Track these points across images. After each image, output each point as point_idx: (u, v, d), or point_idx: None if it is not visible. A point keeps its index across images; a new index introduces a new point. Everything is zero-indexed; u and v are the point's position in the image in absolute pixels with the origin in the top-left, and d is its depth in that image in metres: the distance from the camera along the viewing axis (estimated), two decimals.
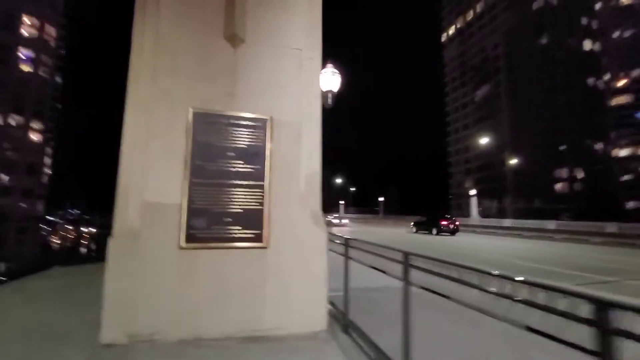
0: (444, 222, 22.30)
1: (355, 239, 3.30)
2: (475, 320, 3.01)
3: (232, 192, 3.15)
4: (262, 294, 3.12)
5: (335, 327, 3.32)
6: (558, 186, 54.16)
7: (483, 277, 1.69)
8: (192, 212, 3.02)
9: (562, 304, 1.33)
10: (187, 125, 3.13)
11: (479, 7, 72.65)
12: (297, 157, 3.40)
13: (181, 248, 2.97)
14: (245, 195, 3.17)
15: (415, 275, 2.15)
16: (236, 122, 3.25)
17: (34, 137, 40.45)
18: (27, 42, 40.01)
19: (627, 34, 73.29)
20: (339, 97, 5.39)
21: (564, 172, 53.97)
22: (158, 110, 3.13)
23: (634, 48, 72.21)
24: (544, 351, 2.58)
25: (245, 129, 3.26)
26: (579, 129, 53.67)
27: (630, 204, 59.49)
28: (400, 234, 23.36)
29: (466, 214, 44.26)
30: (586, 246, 16.04)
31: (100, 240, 8.08)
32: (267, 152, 3.27)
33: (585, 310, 1.21)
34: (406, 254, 2.14)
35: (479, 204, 38.59)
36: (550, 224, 21.91)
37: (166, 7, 3.23)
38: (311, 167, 3.46)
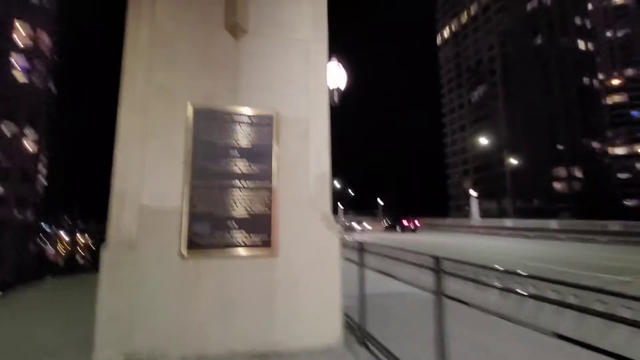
0: (405, 222, 29.07)
1: (372, 243, 3.05)
2: (499, 328, 2.77)
3: (237, 195, 2.90)
4: (272, 305, 2.86)
5: (350, 340, 3.06)
6: (556, 185, 54.26)
7: (538, 284, 1.45)
8: (194, 217, 2.77)
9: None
10: (186, 123, 2.89)
11: (472, 9, 73.21)
12: (306, 156, 3.16)
13: (182, 257, 2.72)
14: (251, 197, 2.92)
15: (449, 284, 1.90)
16: (239, 119, 3.01)
17: (29, 145, 39.98)
18: (21, 50, 39.68)
19: (620, 33, 74.29)
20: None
21: (561, 172, 54.10)
22: (155, 108, 2.89)
23: (626, 47, 73.18)
24: None
25: (249, 126, 3.02)
26: (575, 128, 53.94)
27: (631, 202, 59.78)
28: (393, 237, 23.12)
29: (466, 215, 44.17)
30: (593, 245, 15.84)
31: (97, 249, 7.78)
32: (274, 151, 3.03)
33: None
34: (437, 259, 1.89)
35: (478, 204, 38.45)
36: (553, 224, 21.76)
37: None
38: (320, 166, 3.22)
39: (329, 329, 2.96)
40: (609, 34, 74.77)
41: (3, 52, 37.94)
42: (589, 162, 53.68)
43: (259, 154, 2.99)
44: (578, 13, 60.52)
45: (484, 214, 42.41)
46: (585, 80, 57.77)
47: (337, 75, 4.84)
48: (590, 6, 65.86)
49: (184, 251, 2.71)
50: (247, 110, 3.04)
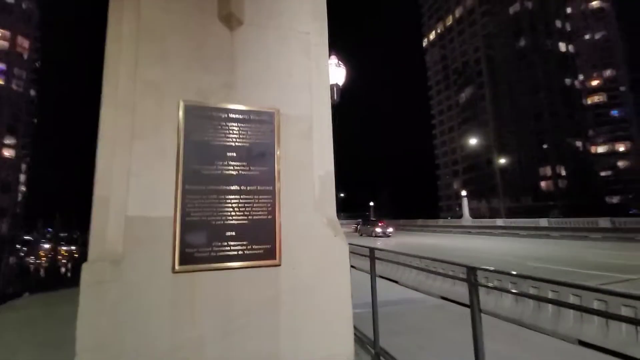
0: (379, 228, 29.34)
1: (383, 249, 2.81)
2: (516, 337, 2.57)
3: (236, 200, 2.62)
4: (276, 321, 2.59)
5: (362, 356, 2.80)
6: (543, 184, 55.38)
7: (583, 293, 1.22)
8: (187, 227, 2.47)
9: None
10: (178, 121, 2.60)
11: (457, 12, 74.64)
12: (310, 156, 2.91)
13: (175, 271, 2.41)
14: (251, 203, 2.65)
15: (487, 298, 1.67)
16: (237, 116, 2.74)
17: (7, 153, 38.43)
18: None
19: (597, 35, 76.96)
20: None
21: (548, 170, 55.27)
22: (142, 106, 2.59)
23: (604, 49, 75.82)
24: None
25: (247, 125, 2.75)
26: (560, 128, 55.29)
27: (614, 199, 61.52)
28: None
29: (457, 215, 44.53)
30: (587, 242, 15.95)
31: (79, 261, 7.32)
32: (275, 152, 2.77)
33: None
34: (472, 269, 1.65)
35: (469, 204, 38.78)
36: (543, 222, 22.01)
37: None
38: (324, 167, 2.98)
39: (339, 345, 2.70)
40: (587, 36, 77.33)
41: None
42: (573, 160, 55.07)
43: (259, 155, 2.73)
44: (558, 16, 62.43)
45: (474, 214, 42.81)
46: (567, 81, 59.48)
47: (335, 72, 4.64)
48: (569, 10, 67.99)
49: (177, 265, 2.41)
50: (245, 107, 2.77)
